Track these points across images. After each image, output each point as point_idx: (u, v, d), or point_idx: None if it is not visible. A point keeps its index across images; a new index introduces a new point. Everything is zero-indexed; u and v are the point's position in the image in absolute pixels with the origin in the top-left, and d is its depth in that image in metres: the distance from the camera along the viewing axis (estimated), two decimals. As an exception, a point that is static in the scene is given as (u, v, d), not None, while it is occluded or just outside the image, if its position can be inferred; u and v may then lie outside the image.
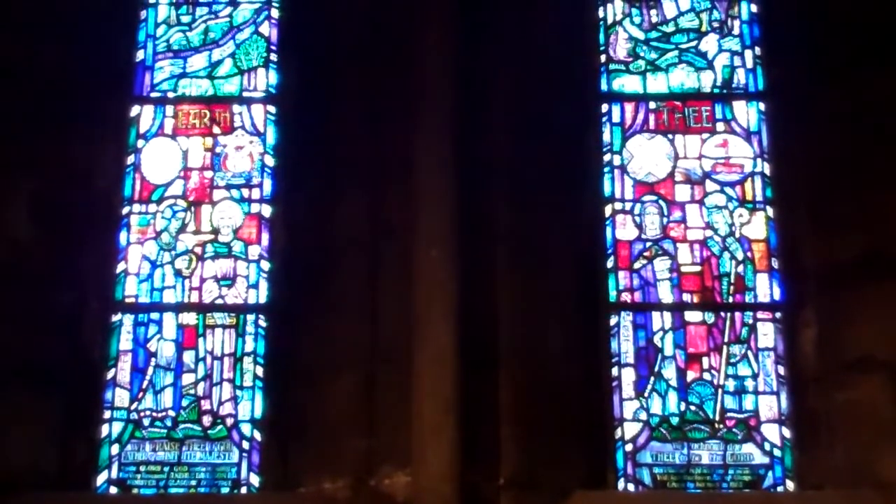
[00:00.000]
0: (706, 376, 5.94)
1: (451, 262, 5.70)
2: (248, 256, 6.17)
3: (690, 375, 5.94)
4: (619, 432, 5.87)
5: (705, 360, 5.97)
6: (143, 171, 6.32)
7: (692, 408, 5.89)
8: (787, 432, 5.85)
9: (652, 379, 5.94)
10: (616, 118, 6.34)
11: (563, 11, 6.36)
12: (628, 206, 6.20)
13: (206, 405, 5.96)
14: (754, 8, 6.49)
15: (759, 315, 6.03)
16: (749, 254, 6.11)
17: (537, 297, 5.90)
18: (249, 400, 5.95)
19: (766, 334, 6.00)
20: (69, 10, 6.28)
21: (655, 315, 6.04)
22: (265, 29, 6.55)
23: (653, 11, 6.51)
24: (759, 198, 6.19)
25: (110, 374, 6.00)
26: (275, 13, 6.56)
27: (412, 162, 5.89)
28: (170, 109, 6.43)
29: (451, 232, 5.75)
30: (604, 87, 6.41)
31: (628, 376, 5.94)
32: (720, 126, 6.31)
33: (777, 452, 5.84)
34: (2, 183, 5.99)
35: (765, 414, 5.89)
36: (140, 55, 6.52)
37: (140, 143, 6.37)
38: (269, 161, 6.31)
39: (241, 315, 6.08)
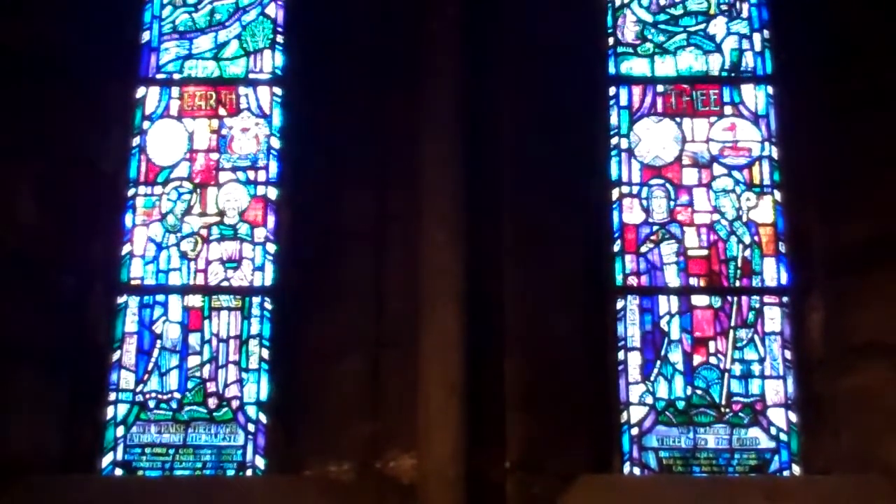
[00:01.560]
0: (712, 360, 5.94)
1: (457, 245, 5.69)
2: (254, 239, 6.17)
3: (697, 359, 5.94)
4: (624, 416, 5.87)
5: (712, 344, 5.96)
6: (149, 152, 6.31)
7: (698, 392, 5.89)
8: (793, 417, 5.85)
9: (658, 363, 5.93)
10: (624, 101, 6.32)
11: (570, -7, 6.34)
12: (635, 189, 6.19)
13: (211, 387, 5.96)
14: (763, -10, 6.47)
15: (766, 299, 6.02)
16: (756, 238, 6.10)
17: (543, 281, 5.89)
18: (255, 382, 5.95)
19: (773, 318, 5.99)
20: (74, -9, 6.27)
21: (662, 299, 6.03)
22: (271, 10, 6.53)
23: (661, -7, 6.50)
24: (766, 182, 6.18)
25: (115, 357, 6.00)
26: (281, -6, 6.56)
27: (419, 145, 5.87)
28: (175, 91, 6.42)
29: (458, 215, 5.74)
30: (611, 69, 6.39)
31: (634, 360, 5.94)
32: (728, 109, 6.29)
33: (783, 437, 5.84)
34: (7, 165, 5.96)
35: (771, 398, 5.88)
36: (146, 36, 6.50)
37: (146, 124, 6.36)
38: (275, 143, 6.30)
39: (246, 297, 6.08)
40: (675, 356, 5.94)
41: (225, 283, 6.12)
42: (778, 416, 5.86)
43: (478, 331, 5.66)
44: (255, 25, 6.51)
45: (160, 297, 6.10)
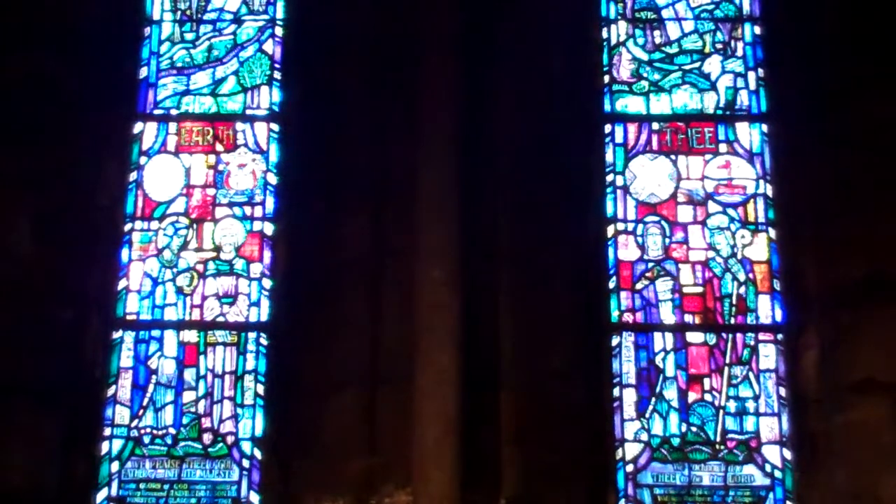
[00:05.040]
0: (707, 397, 5.94)
1: (452, 281, 5.71)
2: (250, 274, 6.17)
3: (692, 396, 5.94)
4: (620, 453, 5.87)
5: (706, 381, 5.97)
6: (146, 187, 6.33)
7: (693, 429, 5.90)
8: (788, 454, 5.85)
9: (653, 400, 5.94)
10: (619, 139, 6.35)
11: (566, 32, 6.37)
12: (630, 226, 6.20)
13: (206, 423, 5.96)
14: (758, 30, 6.50)
15: (761, 336, 6.03)
16: (751, 275, 6.11)
17: (539, 318, 5.91)
18: (250, 418, 5.95)
19: (768, 356, 6.00)
20: (73, 26, 6.28)
21: (657, 336, 6.04)
22: (269, 47, 6.55)
23: (656, 32, 6.52)
24: (761, 219, 6.20)
25: (111, 392, 6.01)
26: (278, 31, 6.57)
27: (415, 181, 5.90)
28: (173, 126, 6.44)
29: (453, 252, 5.76)
30: (607, 107, 6.41)
31: (629, 397, 5.94)
32: (723, 147, 6.32)
33: (778, 474, 5.84)
34: (4, 199, 5.99)
35: (766, 435, 5.89)
36: (143, 72, 6.53)
37: (143, 159, 6.38)
38: (272, 179, 6.32)
39: (242, 333, 6.08)
40: (670, 393, 5.94)
41: (221, 319, 6.12)
42: (773, 454, 5.86)
43: (473, 367, 5.66)
44: (253, 62, 6.53)
45: (156, 333, 6.10)
